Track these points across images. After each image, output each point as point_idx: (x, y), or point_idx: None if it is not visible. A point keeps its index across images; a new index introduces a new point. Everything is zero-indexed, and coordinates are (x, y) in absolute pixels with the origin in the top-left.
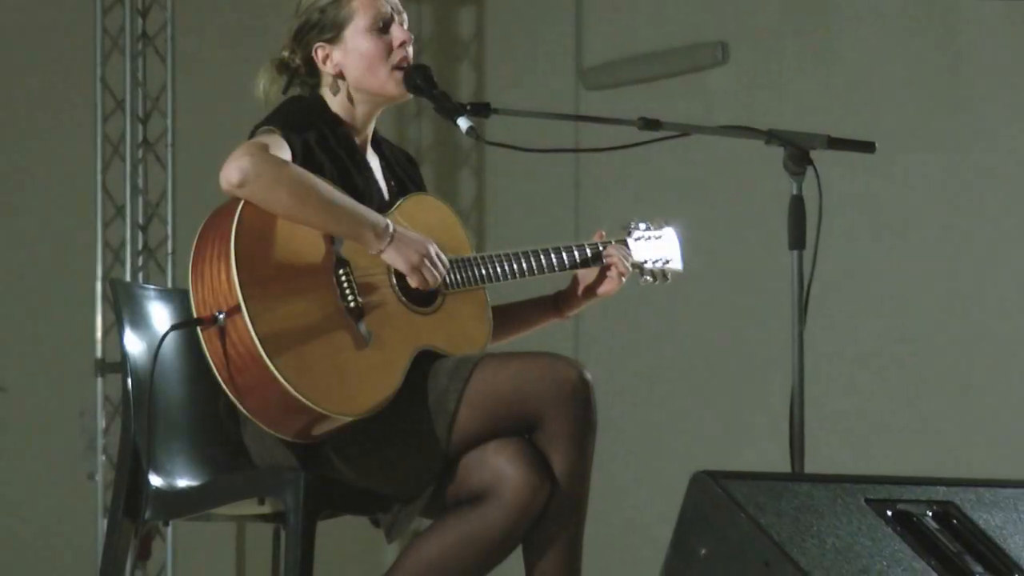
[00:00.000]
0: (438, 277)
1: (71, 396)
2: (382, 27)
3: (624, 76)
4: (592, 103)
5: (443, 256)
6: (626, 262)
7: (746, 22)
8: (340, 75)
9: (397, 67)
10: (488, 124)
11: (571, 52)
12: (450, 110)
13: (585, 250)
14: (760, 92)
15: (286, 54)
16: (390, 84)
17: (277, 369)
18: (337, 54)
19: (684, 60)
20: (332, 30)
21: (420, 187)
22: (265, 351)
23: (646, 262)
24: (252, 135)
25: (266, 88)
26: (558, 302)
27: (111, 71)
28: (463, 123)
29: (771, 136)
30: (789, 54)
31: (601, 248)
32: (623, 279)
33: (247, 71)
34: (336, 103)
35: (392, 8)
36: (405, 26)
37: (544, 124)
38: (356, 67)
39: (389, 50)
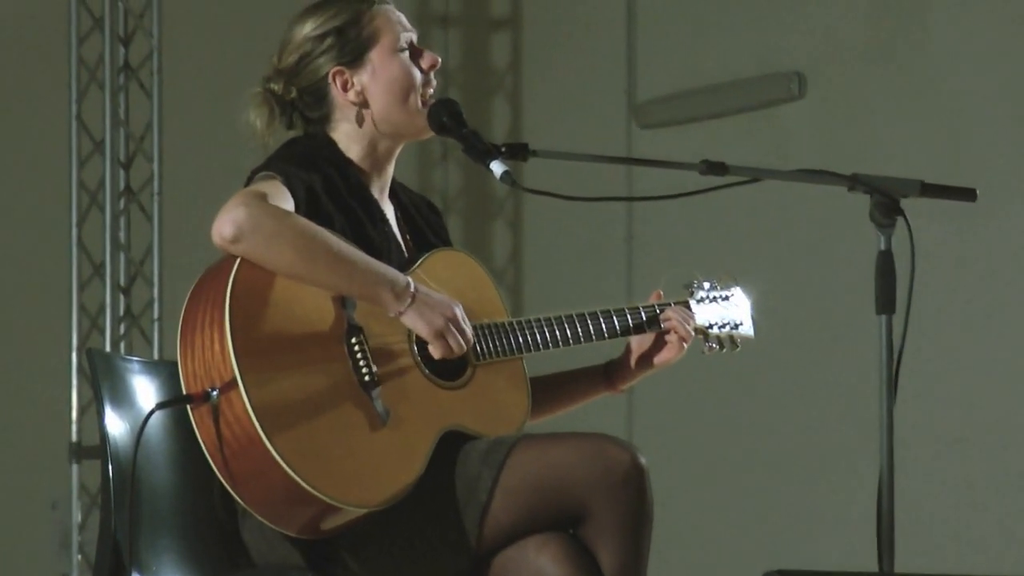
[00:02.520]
0: (463, 345)
1: (42, 485)
2: (410, 49)
3: (684, 112)
4: (646, 143)
5: (467, 321)
6: (688, 326)
7: (826, 50)
8: (364, 103)
9: (426, 100)
10: (526, 168)
11: (622, 84)
12: (481, 152)
13: (640, 314)
14: (843, 130)
15: (276, 87)
16: (420, 117)
17: (279, 453)
18: (361, 79)
19: (754, 94)
20: (353, 52)
21: (444, 240)
22: (265, 432)
23: (711, 327)
24: (249, 182)
25: (263, 127)
26: (609, 373)
27: (88, 108)
28: (497, 167)
29: (855, 182)
30: (876, 86)
31: (658, 311)
32: (684, 346)
33: (242, 112)
34: (350, 141)
35: (410, 27)
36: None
37: (591, 168)
38: (385, 92)
39: (420, 76)
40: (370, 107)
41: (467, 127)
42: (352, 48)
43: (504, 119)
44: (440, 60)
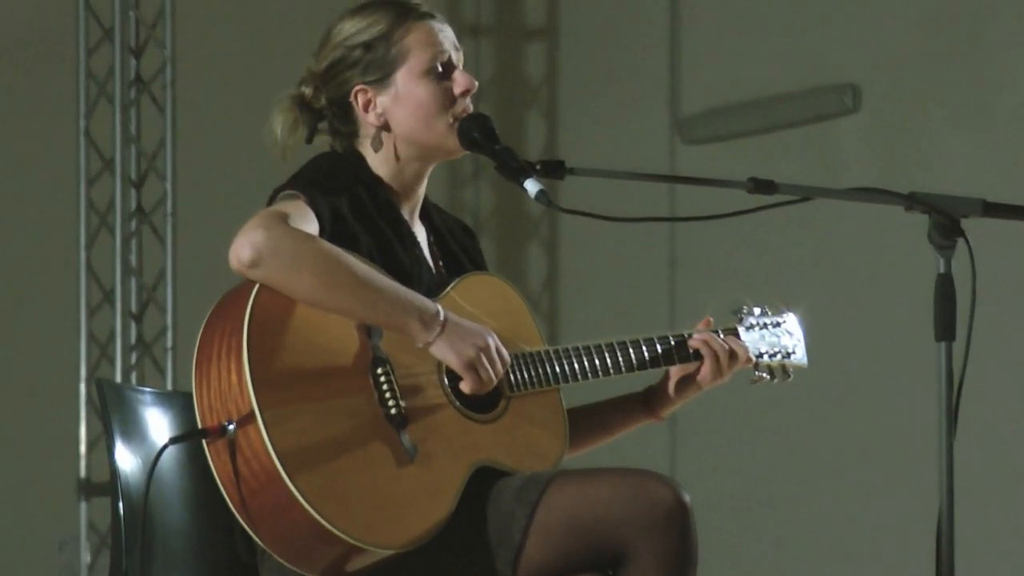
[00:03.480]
0: (494, 377)
1: (48, 524)
2: (441, 71)
3: (730, 127)
4: (691, 160)
5: (504, 351)
6: (726, 354)
7: (882, 60)
8: (385, 126)
9: (458, 119)
10: (562, 187)
11: (665, 97)
12: (515, 170)
13: (685, 343)
14: (899, 146)
15: (307, 91)
16: (450, 138)
17: (300, 491)
18: (383, 101)
19: (805, 107)
20: (379, 71)
21: (479, 265)
22: (285, 469)
23: (762, 355)
24: (271, 201)
25: (283, 135)
26: (649, 399)
27: (98, 124)
28: (531, 186)
29: (913, 201)
30: (935, 99)
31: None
32: (720, 359)
33: (262, 123)
34: (378, 160)
35: (451, 45)
36: (461, 65)
37: (631, 187)
38: (408, 118)
39: (450, 99)
40: (392, 131)
41: (500, 143)
42: (377, 67)
43: (539, 135)
44: (476, 84)
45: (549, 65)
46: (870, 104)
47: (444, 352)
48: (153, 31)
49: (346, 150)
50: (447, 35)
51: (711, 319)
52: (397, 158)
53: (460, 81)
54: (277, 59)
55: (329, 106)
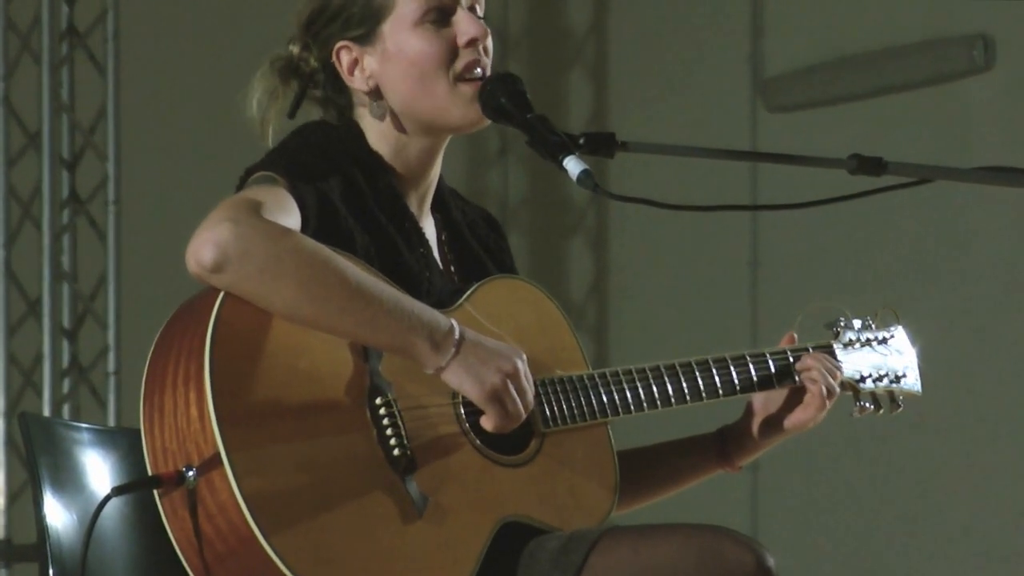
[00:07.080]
0: (523, 411)
1: None
2: (438, 17)
3: (827, 90)
4: (777, 132)
5: (531, 377)
6: (832, 379)
7: (1020, 6)
8: (376, 92)
9: (465, 78)
10: (613, 166)
11: (744, 55)
12: (553, 145)
13: (767, 363)
14: None
15: (295, 50)
16: (455, 104)
17: (279, 554)
18: (371, 61)
19: (923, 65)
20: (362, 24)
21: (506, 267)
22: (260, 526)
23: (864, 380)
24: (242, 185)
25: (262, 106)
26: (724, 443)
27: (19, 87)
28: (573, 165)
29: None
30: None
31: (792, 359)
32: (828, 404)
33: (228, 85)
34: (377, 136)
35: None
36: (480, 12)
37: (702, 167)
38: (401, 80)
39: (451, 51)
40: (385, 98)
41: (533, 111)
42: (359, 18)
43: (584, 100)
44: (487, 31)
45: (596, 13)
46: (1005, 60)
47: (460, 379)
48: None
49: (341, 122)
50: None
51: (795, 335)
52: (398, 132)
53: (464, 27)
54: (249, 5)
55: (320, 67)
